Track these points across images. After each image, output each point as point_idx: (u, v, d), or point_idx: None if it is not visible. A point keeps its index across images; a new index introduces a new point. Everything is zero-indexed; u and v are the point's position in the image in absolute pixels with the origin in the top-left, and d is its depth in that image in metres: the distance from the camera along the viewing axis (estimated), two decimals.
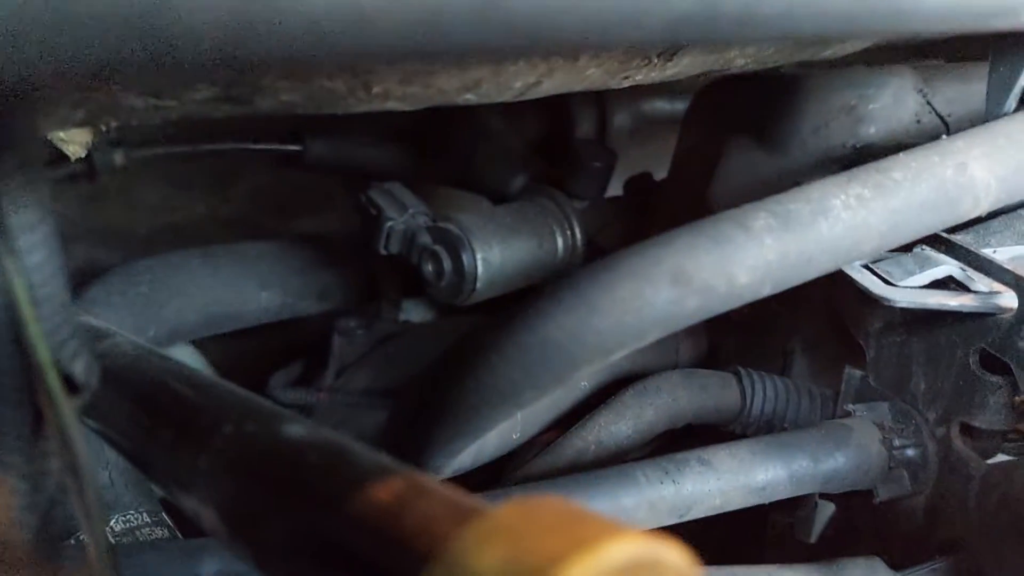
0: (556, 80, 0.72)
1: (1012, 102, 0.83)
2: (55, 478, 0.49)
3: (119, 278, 1.12)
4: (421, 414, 0.76)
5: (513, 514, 0.35)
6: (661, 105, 1.66)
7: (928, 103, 1.03)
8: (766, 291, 0.66)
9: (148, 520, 0.96)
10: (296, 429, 0.49)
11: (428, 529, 0.38)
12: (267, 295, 1.25)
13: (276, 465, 0.47)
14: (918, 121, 1.02)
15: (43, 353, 0.43)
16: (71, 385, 0.46)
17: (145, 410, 0.59)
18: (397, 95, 0.65)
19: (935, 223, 0.72)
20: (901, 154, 0.73)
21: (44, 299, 0.42)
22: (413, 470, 0.43)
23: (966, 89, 1.05)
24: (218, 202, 1.46)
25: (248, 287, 1.24)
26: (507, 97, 0.72)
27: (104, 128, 0.96)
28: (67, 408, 0.45)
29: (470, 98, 0.69)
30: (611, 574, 0.32)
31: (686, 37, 0.38)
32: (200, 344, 1.32)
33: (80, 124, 0.62)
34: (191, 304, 1.17)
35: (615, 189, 1.30)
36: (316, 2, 0.25)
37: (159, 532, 0.95)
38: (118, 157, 1.26)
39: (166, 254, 1.17)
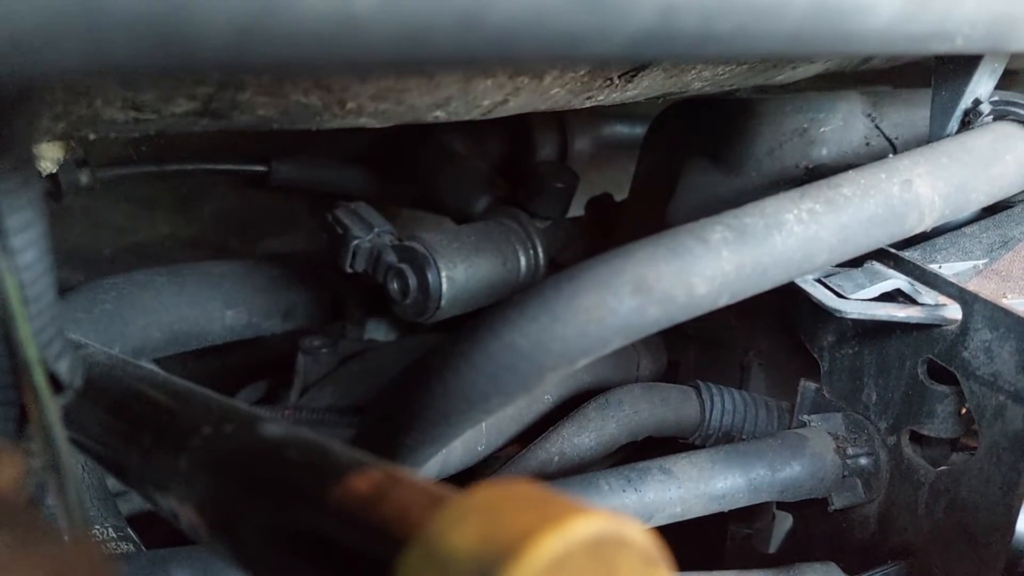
0: (522, 99, 0.74)
1: (954, 124, 0.87)
2: (37, 478, 0.50)
3: (84, 295, 1.12)
4: (387, 422, 0.77)
5: (484, 496, 0.37)
6: (620, 130, 1.70)
7: (876, 127, 1.07)
8: (723, 301, 0.69)
9: (114, 535, 0.96)
10: (274, 428, 0.51)
11: (405, 515, 0.40)
12: (232, 314, 1.26)
13: (256, 462, 0.49)
14: (867, 143, 1.06)
15: (31, 351, 0.44)
16: (55, 384, 0.47)
17: (121, 416, 0.60)
18: (370, 111, 0.67)
19: (883, 237, 0.76)
20: (850, 171, 0.76)
21: (33, 298, 0.43)
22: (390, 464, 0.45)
23: (912, 114, 1.09)
24: (183, 222, 1.47)
25: (213, 306, 1.24)
26: (475, 115, 0.74)
27: (75, 144, 0.97)
28: (52, 406, 0.46)
29: (439, 115, 0.72)
30: (579, 548, 0.35)
31: (648, 53, 0.41)
32: (164, 363, 1.32)
33: (59, 137, 0.63)
34: (156, 322, 1.18)
35: (576, 211, 1.33)
36: (315, 10, 0.27)
37: (124, 547, 0.95)
38: (83, 177, 1.27)
39: (131, 272, 1.17)
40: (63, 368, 0.48)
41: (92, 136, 0.65)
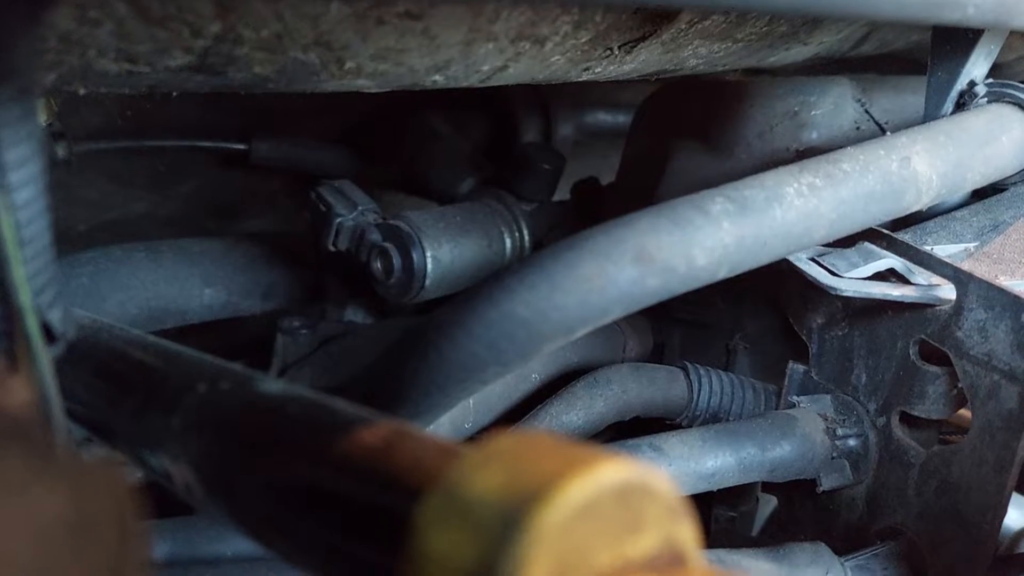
0: (522, 66, 0.73)
1: (949, 105, 0.87)
2: None
3: (60, 269, 1.09)
4: (377, 393, 0.76)
5: (506, 443, 0.36)
6: (604, 118, 1.70)
7: (867, 111, 1.07)
8: (722, 273, 0.68)
9: None
10: (273, 385, 0.49)
11: (418, 465, 0.39)
12: (211, 292, 1.24)
13: (256, 418, 0.47)
14: (857, 128, 1.06)
15: (24, 297, 0.42)
16: (48, 334, 0.46)
17: (109, 378, 0.59)
18: (368, 71, 0.66)
19: (881, 213, 0.75)
20: (849, 148, 0.76)
21: (29, 240, 0.41)
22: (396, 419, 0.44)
23: (901, 99, 1.09)
24: (159, 200, 1.44)
25: (192, 283, 1.22)
26: (473, 81, 0.73)
27: (56, 108, 0.95)
28: (44, 356, 0.44)
29: (438, 79, 0.70)
30: (607, 494, 0.33)
31: None
32: None
33: (48, 90, 0.61)
34: (133, 298, 1.16)
35: (560, 196, 1.32)
36: None
37: None
38: (60, 150, 1.24)
39: (109, 247, 1.15)
40: (56, 317, 0.46)
41: (82, 91, 0.62)
